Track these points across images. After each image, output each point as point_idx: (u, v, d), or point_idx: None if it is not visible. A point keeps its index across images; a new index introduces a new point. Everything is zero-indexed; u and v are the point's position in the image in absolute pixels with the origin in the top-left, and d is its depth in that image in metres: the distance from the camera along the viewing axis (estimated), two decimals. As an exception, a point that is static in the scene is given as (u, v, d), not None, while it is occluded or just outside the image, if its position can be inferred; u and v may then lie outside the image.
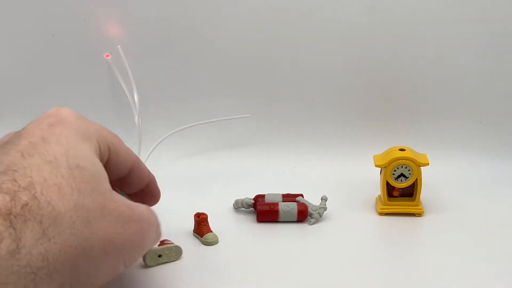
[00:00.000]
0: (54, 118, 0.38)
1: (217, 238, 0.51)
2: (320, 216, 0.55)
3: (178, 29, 0.67)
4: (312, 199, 0.57)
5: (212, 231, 0.52)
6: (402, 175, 0.56)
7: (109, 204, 0.36)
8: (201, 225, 0.52)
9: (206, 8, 0.66)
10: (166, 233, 0.51)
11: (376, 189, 0.59)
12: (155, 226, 0.41)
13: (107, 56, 0.67)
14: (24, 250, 0.30)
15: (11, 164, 0.34)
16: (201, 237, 0.51)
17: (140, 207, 0.39)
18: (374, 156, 0.58)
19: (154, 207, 0.57)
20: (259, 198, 0.57)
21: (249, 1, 0.66)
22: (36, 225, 0.31)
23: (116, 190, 0.39)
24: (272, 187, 0.60)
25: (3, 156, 0.34)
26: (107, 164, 0.40)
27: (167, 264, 0.48)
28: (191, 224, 0.53)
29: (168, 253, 0.48)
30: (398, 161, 0.55)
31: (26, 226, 0.31)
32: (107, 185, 0.37)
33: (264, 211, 0.55)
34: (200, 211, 0.53)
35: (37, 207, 0.32)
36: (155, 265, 0.47)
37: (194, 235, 0.53)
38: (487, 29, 0.66)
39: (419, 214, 0.57)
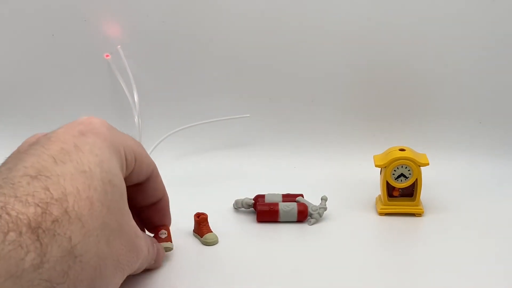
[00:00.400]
0: (86, 126, 0.37)
1: (217, 238, 0.51)
2: (320, 216, 0.55)
3: (178, 29, 0.67)
4: (312, 199, 0.57)
5: (212, 231, 0.52)
6: (402, 175, 0.56)
7: (126, 227, 0.37)
8: (201, 225, 0.52)
9: (206, 8, 0.66)
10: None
11: (376, 189, 0.59)
12: (145, 259, 0.42)
13: (107, 56, 0.67)
14: (47, 265, 0.30)
15: (43, 170, 0.33)
16: (201, 237, 0.51)
17: (142, 237, 0.40)
18: (374, 156, 0.58)
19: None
20: (259, 198, 0.57)
21: (249, 1, 0.66)
22: (65, 241, 0.31)
23: None
24: (272, 187, 0.60)
25: (33, 158, 0.34)
26: (131, 173, 0.41)
27: (167, 265, 0.48)
28: (191, 224, 0.53)
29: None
30: (398, 161, 0.55)
31: (55, 241, 0.31)
32: (127, 207, 0.38)
33: (264, 211, 0.55)
34: (200, 211, 0.53)
35: (67, 221, 0.32)
36: None
37: (194, 235, 0.53)
38: (487, 29, 0.66)
39: (419, 214, 0.57)
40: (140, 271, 0.44)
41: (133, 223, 0.39)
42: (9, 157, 0.36)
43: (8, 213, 0.30)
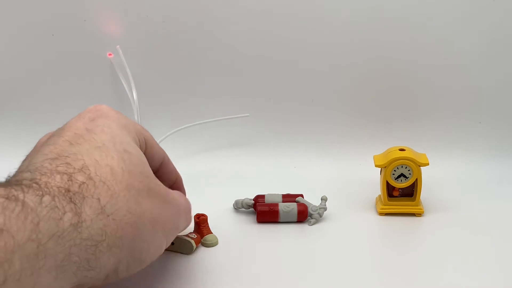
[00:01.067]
0: (95, 113, 0.40)
1: (217, 240, 0.51)
2: (320, 216, 0.55)
3: (178, 28, 0.67)
4: (312, 199, 0.57)
5: (212, 233, 0.52)
6: (402, 175, 0.56)
7: (153, 186, 0.39)
8: (200, 226, 0.52)
9: (206, 8, 0.66)
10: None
11: (376, 189, 0.59)
12: (186, 211, 0.45)
13: (109, 55, 0.67)
14: (85, 224, 0.32)
15: (61, 152, 0.35)
16: (201, 238, 0.51)
17: (174, 192, 0.43)
18: (374, 156, 0.58)
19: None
20: (259, 198, 0.57)
21: (249, 1, 0.66)
22: (95, 202, 0.33)
23: None
24: (272, 187, 0.60)
25: (52, 147, 0.36)
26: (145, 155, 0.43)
27: (167, 266, 0.48)
28: (191, 225, 0.53)
29: (180, 245, 0.49)
30: (398, 161, 0.55)
31: (86, 202, 0.33)
32: (150, 169, 0.40)
33: (264, 211, 0.55)
34: (199, 212, 0.53)
35: (93, 186, 0.34)
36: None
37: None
38: (487, 29, 0.66)
39: (419, 214, 0.57)
40: (185, 227, 0.46)
41: (158, 181, 0.40)
42: (27, 155, 0.38)
43: (37, 183, 0.32)
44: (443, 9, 0.65)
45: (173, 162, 0.68)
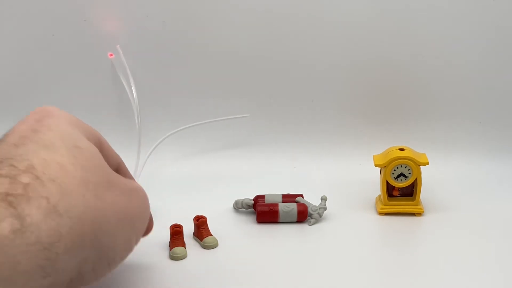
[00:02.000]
0: (41, 114, 0.37)
1: (217, 242, 0.51)
2: (320, 216, 0.55)
3: (178, 28, 0.67)
4: (312, 199, 0.57)
5: (211, 235, 0.52)
6: (401, 174, 0.56)
7: (112, 178, 0.37)
8: (200, 228, 0.52)
9: (206, 8, 0.66)
10: (167, 237, 0.51)
11: (376, 189, 0.59)
12: (147, 198, 0.42)
13: (110, 55, 0.67)
14: (31, 228, 0.30)
15: (5, 155, 0.33)
16: (201, 240, 0.51)
17: (133, 182, 0.40)
18: (373, 156, 0.58)
19: (156, 208, 0.58)
20: (259, 198, 0.57)
21: (249, 1, 0.66)
22: (43, 202, 0.31)
23: None
24: (272, 187, 0.60)
25: None
26: None
27: (167, 267, 0.48)
28: (190, 227, 0.53)
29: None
30: (397, 161, 0.55)
31: (31, 204, 0.30)
32: (106, 163, 0.37)
33: (264, 212, 0.55)
34: (199, 214, 0.53)
35: (40, 185, 0.31)
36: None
37: (194, 238, 0.52)
38: (487, 29, 0.66)
39: (419, 214, 0.57)
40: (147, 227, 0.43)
41: (116, 173, 0.38)
42: None
43: None
44: (443, 9, 0.65)
45: (173, 162, 0.68)
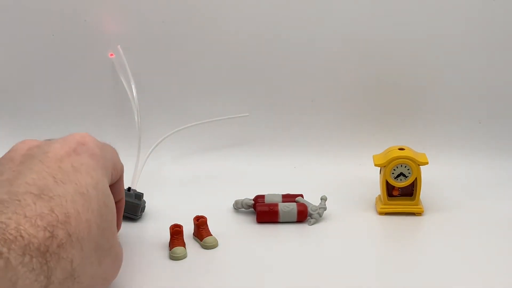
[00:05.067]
0: (81, 147, 0.39)
1: (217, 242, 0.51)
2: (320, 216, 0.55)
3: (178, 28, 0.67)
4: (312, 199, 0.57)
5: (211, 235, 0.52)
6: (401, 174, 0.56)
7: (114, 246, 0.39)
8: (200, 228, 0.52)
9: (206, 7, 0.66)
10: (167, 237, 0.51)
11: (376, 189, 0.59)
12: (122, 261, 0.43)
13: (111, 55, 0.67)
14: (52, 286, 0.32)
15: (45, 189, 0.34)
16: (201, 240, 0.51)
17: (121, 250, 0.41)
18: (373, 156, 0.58)
19: (156, 208, 0.57)
20: (259, 198, 0.57)
21: (250, 1, 0.66)
22: (67, 264, 0.33)
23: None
24: (272, 187, 0.60)
25: (34, 175, 0.35)
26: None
27: (167, 267, 0.48)
28: (190, 227, 0.53)
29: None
30: (397, 160, 0.55)
31: (59, 264, 0.32)
32: (116, 223, 0.39)
33: (263, 211, 0.55)
34: (199, 214, 0.53)
35: (70, 245, 0.33)
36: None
37: (194, 238, 0.52)
38: (487, 29, 0.66)
39: (419, 214, 0.57)
40: None
41: (117, 237, 0.40)
42: (1, 164, 0.37)
43: (21, 236, 0.31)
44: (443, 9, 0.65)
45: (173, 162, 0.68)
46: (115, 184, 0.44)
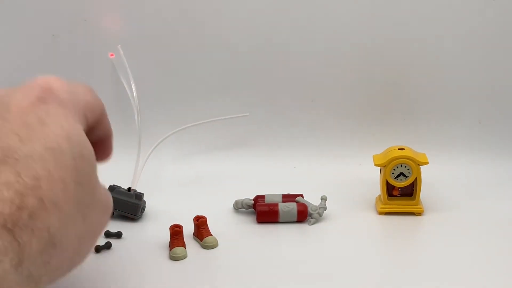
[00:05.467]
0: (45, 92, 0.34)
1: (217, 242, 0.51)
2: (320, 216, 0.55)
3: (178, 29, 0.67)
4: (312, 199, 0.57)
5: (211, 235, 0.52)
6: (401, 174, 0.56)
7: (98, 196, 0.35)
8: (200, 228, 0.52)
9: (206, 7, 0.66)
10: (167, 237, 0.51)
11: (376, 189, 0.59)
12: (111, 208, 0.39)
13: (111, 55, 0.67)
14: (27, 262, 0.28)
15: (9, 150, 0.29)
16: (201, 240, 0.51)
17: (108, 195, 0.37)
18: (373, 156, 0.58)
19: (156, 208, 0.57)
20: (259, 198, 0.57)
21: (249, 1, 0.66)
22: (43, 233, 0.29)
23: None
24: (272, 187, 0.60)
25: None
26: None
27: (167, 267, 0.48)
28: (190, 228, 0.53)
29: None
30: (397, 160, 0.55)
31: (33, 235, 0.28)
32: (96, 172, 0.35)
33: (264, 211, 0.55)
34: (199, 214, 0.53)
35: (43, 212, 0.29)
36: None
37: (194, 238, 0.52)
38: (487, 29, 0.66)
39: (419, 213, 0.57)
40: None
41: (102, 187, 0.36)
42: None
43: None
44: (443, 9, 0.65)
45: (173, 162, 0.68)
46: (98, 126, 0.39)
